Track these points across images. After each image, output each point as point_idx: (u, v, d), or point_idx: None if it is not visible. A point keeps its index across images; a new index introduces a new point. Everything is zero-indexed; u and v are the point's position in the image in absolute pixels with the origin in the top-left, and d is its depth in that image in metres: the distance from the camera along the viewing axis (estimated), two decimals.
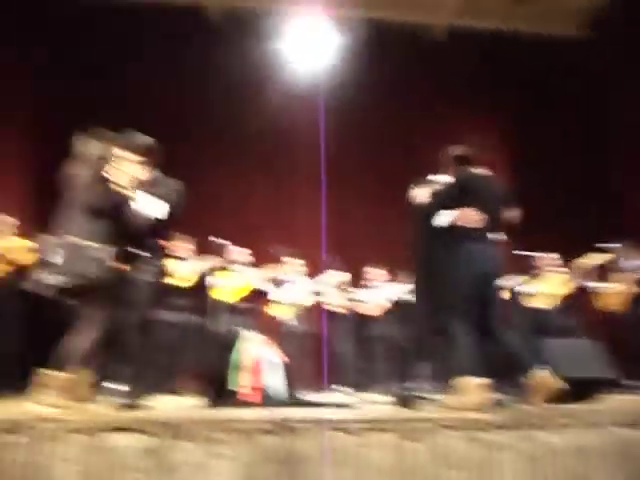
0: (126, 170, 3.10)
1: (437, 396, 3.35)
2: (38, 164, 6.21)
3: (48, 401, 2.78)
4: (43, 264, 3.98)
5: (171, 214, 3.10)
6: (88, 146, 3.07)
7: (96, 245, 2.91)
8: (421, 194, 3.34)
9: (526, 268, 5.65)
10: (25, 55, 6.23)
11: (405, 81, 7.53)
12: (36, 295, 4.60)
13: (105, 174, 3.03)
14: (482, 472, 2.16)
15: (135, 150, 3.13)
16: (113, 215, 3.01)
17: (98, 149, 3.07)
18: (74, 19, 6.57)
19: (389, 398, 3.94)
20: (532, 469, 2.18)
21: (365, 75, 7.29)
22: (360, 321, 6.18)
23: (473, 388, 2.78)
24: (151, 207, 3.06)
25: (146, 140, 3.22)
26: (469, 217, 3.07)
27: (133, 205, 3.03)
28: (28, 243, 4.57)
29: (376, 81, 7.35)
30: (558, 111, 7.41)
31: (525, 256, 5.41)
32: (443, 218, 3.14)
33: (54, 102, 6.52)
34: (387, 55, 7.27)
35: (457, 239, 3.08)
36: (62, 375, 2.86)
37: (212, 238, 4.99)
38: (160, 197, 3.10)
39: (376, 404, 3.75)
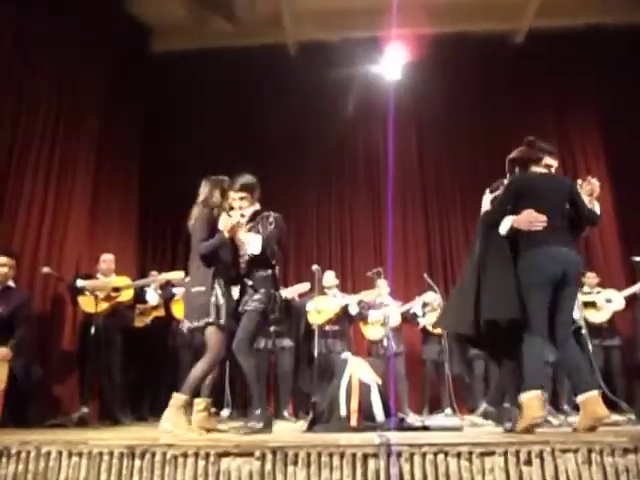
0: (234, 214, 3.37)
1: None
2: (140, 210, 6.82)
3: (175, 426, 3.02)
4: (140, 301, 4.52)
5: (276, 245, 3.36)
6: (207, 192, 3.37)
7: (203, 289, 3.17)
8: (485, 201, 3.17)
9: None
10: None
11: (489, 91, 7.39)
12: (134, 328, 5.08)
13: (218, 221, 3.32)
14: None
15: (245, 189, 3.43)
16: (220, 258, 3.27)
17: (216, 196, 3.37)
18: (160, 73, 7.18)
19: (491, 419, 3.79)
20: None
21: (446, 91, 7.24)
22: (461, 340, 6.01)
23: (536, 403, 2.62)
24: (252, 245, 3.31)
25: (251, 179, 3.50)
26: (527, 220, 2.85)
27: (240, 245, 3.34)
28: (128, 281, 4.97)
29: (458, 96, 7.28)
30: None
31: None
32: (504, 225, 2.93)
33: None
34: (468, 68, 7.18)
35: (521, 246, 2.87)
36: (186, 399, 3.12)
37: (315, 266, 5.12)
38: (261, 232, 3.33)
39: (482, 426, 3.62)
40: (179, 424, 3.01)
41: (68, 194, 5.31)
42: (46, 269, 4.63)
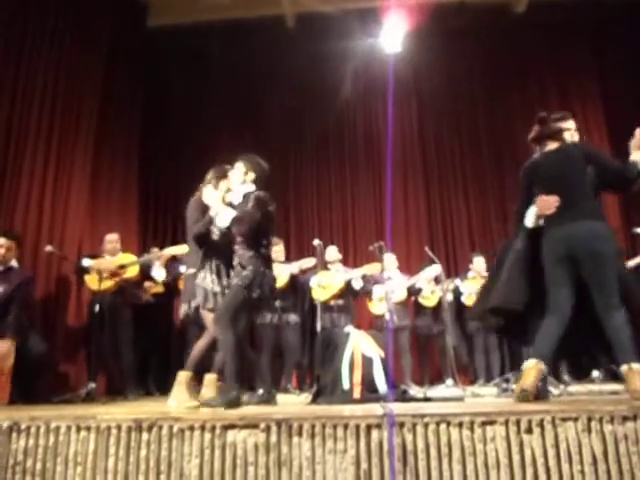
0: (222, 184, 3.33)
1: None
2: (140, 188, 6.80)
3: (180, 400, 3.09)
4: (146, 278, 4.52)
5: (261, 222, 3.18)
6: (208, 178, 3.37)
7: (193, 271, 3.27)
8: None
9: None
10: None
11: (489, 62, 7.30)
12: (140, 305, 5.12)
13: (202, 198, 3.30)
14: (605, 465, 2.05)
15: (243, 164, 3.34)
16: (212, 240, 3.29)
17: (214, 181, 3.38)
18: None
19: (494, 390, 3.85)
20: None
21: (447, 63, 7.14)
22: (460, 313, 6.08)
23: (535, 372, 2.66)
24: (220, 217, 3.22)
25: (253, 157, 3.42)
26: (545, 205, 2.82)
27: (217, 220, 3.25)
28: (134, 258, 5.01)
29: (458, 67, 7.18)
30: None
31: None
32: (528, 218, 2.93)
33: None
34: (468, 39, 7.07)
35: (544, 233, 2.86)
36: (189, 376, 3.20)
37: (316, 241, 5.12)
38: (240, 209, 3.24)
39: (483, 397, 3.67)
40: (181, 400, 3.09)
41: (68, 173, 5.28)
42: (49, 248, 4.65)
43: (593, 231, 2.73)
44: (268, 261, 3.27)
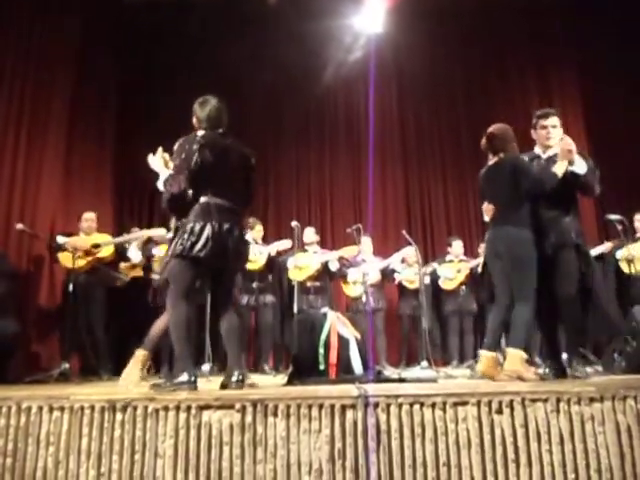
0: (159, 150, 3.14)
1: None
2: (116, 165, 6.64)
3: (131, 380, 3.04)
4: (122, 258, 4.35)
5: (194, 170, 2.82)
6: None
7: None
8: None
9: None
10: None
11: (470, 47, 7.28)
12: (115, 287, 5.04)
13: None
14: (571, 445, 2.11)
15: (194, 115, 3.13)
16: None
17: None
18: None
19: (467, 372, 3.92)
20: (627, 442, 2.10)
21: (427, 44, 7.10)
22: (437, 295, 6.17)
23: (521, 361, 2.90)
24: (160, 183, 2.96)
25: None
26: (486, 210, 3.25)
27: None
28: (109, 238, 4.93)
29: (438, 49, 7.15)
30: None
31: (618, 221, 4.95)
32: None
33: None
34: (449, 20, 7.03)
35: None
36: (145, 354, 3.14)
37: (294, 223, 5.10)
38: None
39: (456, 378, 3.74)
40: (130, 377, 3.05)
41: (40, 150, 5.14)
42: (20, 226, 4.55)
43: (509, 235, 3.10)
44: (209, 212, 2.77)
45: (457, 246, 6.18)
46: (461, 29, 7.11)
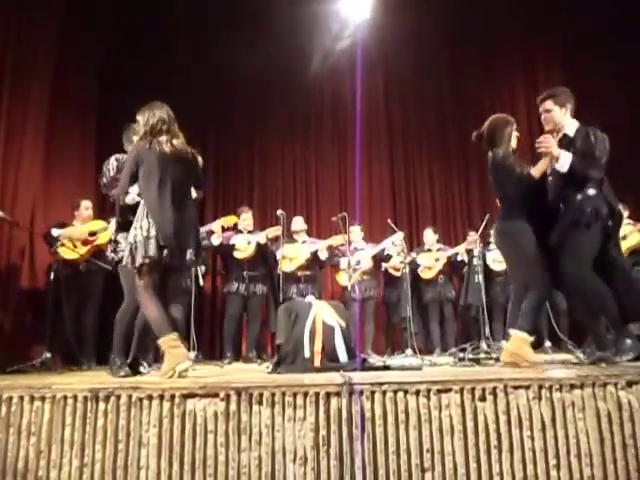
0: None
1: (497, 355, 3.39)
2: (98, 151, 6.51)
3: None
4: (116, 245, 4.26)
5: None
6: None
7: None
8: None
9: None
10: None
11: (457, 34, 7.25)
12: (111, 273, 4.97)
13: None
14: (552, 431, 2.14)
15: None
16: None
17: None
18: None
19: (450, 360, 3.96)
20: (607, 427, 2.14)
21: (414, 33, 7.06)
22: (416, 285, 6.19)
23: (525, 344, 2.97)
24: None
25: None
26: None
27: None
28: (103, 224, 4.85)
29: (425, 36, 7.12)
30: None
31: None
32: None
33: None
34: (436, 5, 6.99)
35: None
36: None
37: (280, 211, 5.08)
38: None
39: (440, 366, 3.77)
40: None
41: (20, 132, 4.99)
42: None
43: (498, 229, 3.30)
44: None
45: (428, 234, 6.26)
46: (449, 14, 7.07)
